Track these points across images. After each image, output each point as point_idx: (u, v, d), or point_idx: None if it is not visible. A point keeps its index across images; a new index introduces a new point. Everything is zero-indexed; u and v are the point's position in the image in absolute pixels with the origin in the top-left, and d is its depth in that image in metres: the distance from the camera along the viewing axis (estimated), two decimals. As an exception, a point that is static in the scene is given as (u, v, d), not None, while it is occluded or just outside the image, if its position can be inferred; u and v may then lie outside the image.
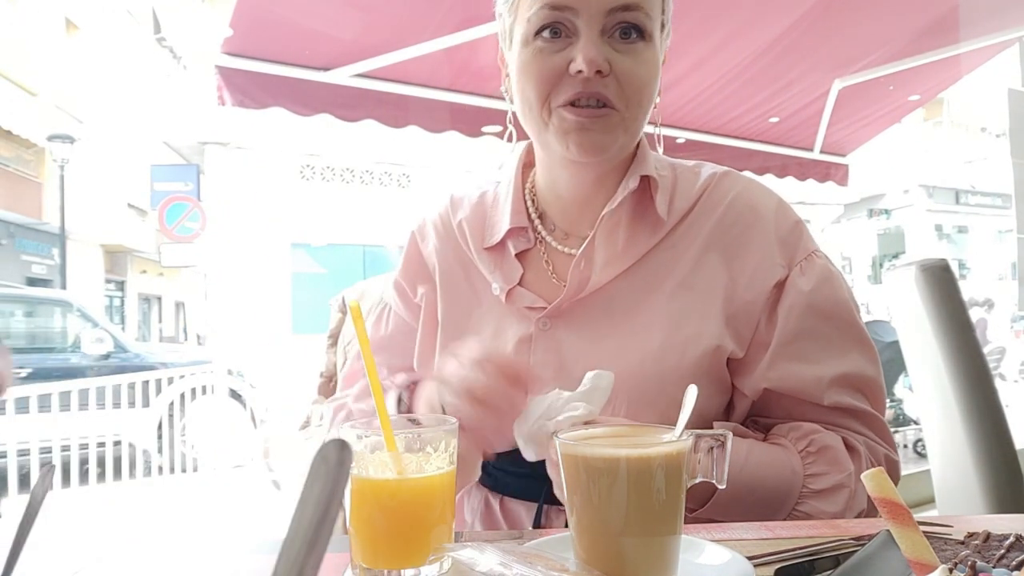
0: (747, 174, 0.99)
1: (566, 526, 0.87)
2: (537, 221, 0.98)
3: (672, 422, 0.85)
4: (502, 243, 0.97)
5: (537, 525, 0.88)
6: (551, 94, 0.85)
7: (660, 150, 0.98)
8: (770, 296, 0.88)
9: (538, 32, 0.85)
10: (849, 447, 0.85)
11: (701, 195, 0.93)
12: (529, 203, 0.99)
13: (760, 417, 0.91)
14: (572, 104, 0.85)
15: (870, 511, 0.84)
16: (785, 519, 0.82)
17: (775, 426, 0.89)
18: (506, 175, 1.01)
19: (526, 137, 0.99)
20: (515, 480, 0.92)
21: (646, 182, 0.92)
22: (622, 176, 0.92)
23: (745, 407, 0.91)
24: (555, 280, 0.94)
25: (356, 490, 0.62)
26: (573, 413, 0.77)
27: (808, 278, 0.88)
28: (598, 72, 0.83)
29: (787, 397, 0.87)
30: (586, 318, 0.91)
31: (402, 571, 0.60)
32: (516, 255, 0.96)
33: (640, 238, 0.92)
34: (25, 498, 0.52)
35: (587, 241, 0.91)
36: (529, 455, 0.78)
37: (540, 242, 0.97)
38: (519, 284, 0.95)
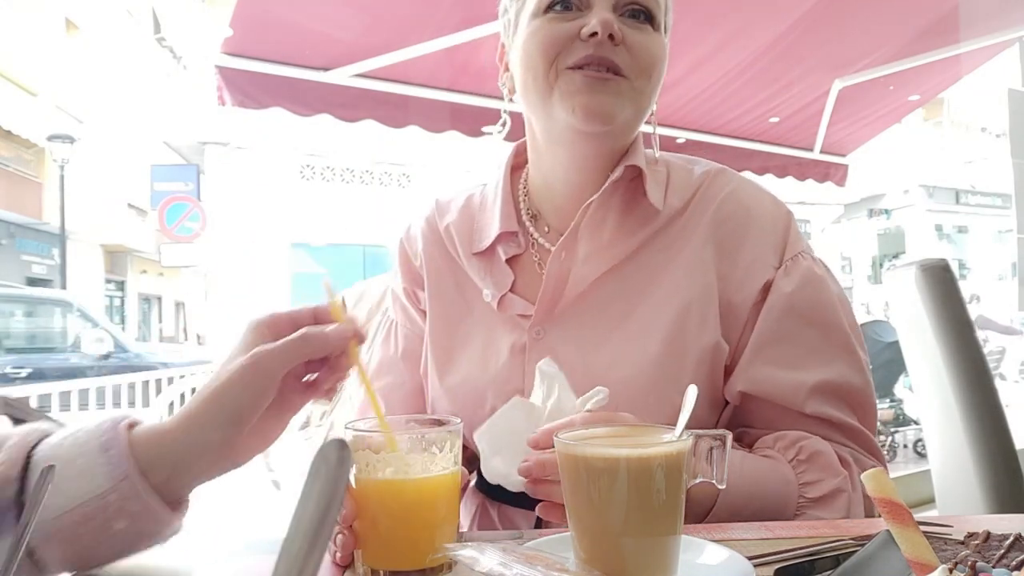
0: (747, 174, 0.97)
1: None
2: (529, 224, 0.95)
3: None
4: (492, 248, 0.93)
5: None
6: (559, 56, 0.83)
7: (656, 151, 0.95)
8: (757, 298, 0.86)
9: (550, 7, 0.84)
10: (839, 458, 0.82)
11: (696, 192, 0.91)
12: (522, 205, 0.96)
13: (744, 427, 0.88)
14: (581, 68, 0.83)
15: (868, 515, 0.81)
16: None
17: (759, 439, 0.85)
18: (493, 178, 0.98)
19: (522, 134, 0.97)
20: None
21: (635, 173, 0.89)
22: (614, 168, 0.89)
23: (727, 418, 0.88)
24: None
25: (360, 491, 0.61)
26: (597, 397, 0.74)
27: (791, 279, 0.86)
28: (610, 37, 0.81)
29: (767, 404, 0.84)
30: (580, 325, 0.88)
31: (407, 571, 0.60)
32: (507, 260, 0.93)
33: (630, 231, 0.89)
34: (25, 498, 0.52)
35: (569, 231, 0.88)
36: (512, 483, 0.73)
37: (533, 245, 0.94)
38: (511, 291, 0.91)
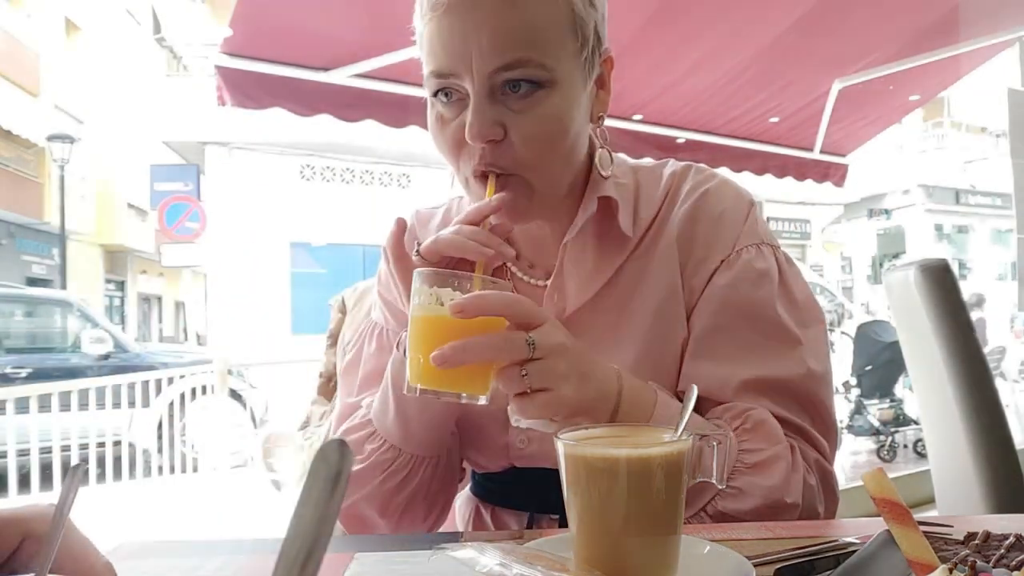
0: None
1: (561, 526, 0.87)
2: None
3: None
4: None
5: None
6: (459, 162, 0.82)
7: (607, 152, 0.90)
8: (702, 291, 0.86)
9: (435, 94, 0.81)
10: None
11: (666, 196, 0.90)
12: None
13: None
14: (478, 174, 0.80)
15: (808, 510, 0.79)
16: (716, 494, 0.77)
17: (710, 410, 0.83)
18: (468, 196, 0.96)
19: None
20: (504, 488, 0.93)
21: (606, 202, 0.87)
22: (579, 200, 0.88)
23: None
24: None
25: (422, 321, 0.70)
26: None
27: (730, 272, 0.85)
28: (491, 141, 0.77)
29: (700, 400, 0.80)
30: None
31: (461, 393, 0.69)
32: None
33: (609, 257, 0.88)
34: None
35: (555, 272, 0.88)
36: None
37: (505, 273, 0.93)
38: None
